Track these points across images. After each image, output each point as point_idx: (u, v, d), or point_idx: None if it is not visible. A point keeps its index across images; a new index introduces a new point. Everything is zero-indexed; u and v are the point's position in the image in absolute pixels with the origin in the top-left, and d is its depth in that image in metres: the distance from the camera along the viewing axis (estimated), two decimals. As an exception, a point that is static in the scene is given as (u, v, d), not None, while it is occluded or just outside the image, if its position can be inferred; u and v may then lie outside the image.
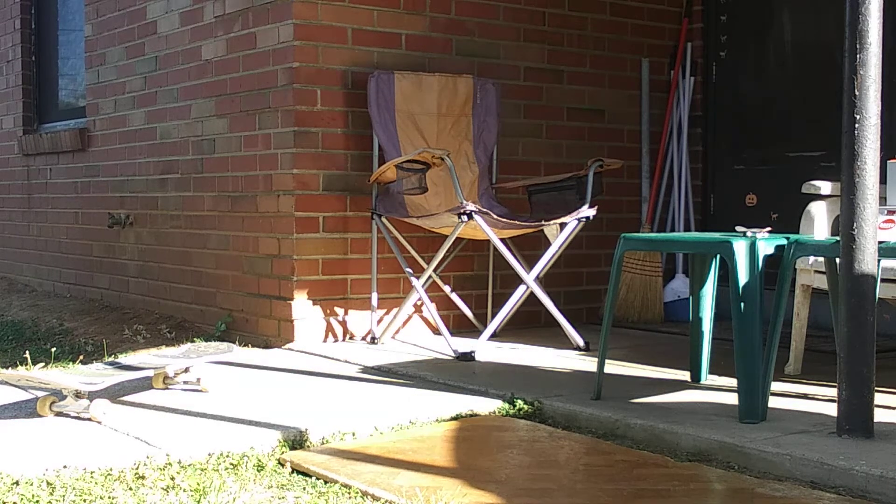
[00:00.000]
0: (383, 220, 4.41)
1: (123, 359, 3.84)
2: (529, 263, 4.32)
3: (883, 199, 3.40)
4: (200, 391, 3.45)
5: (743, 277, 2.94)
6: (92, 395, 3.11)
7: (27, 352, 4.14)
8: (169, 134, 5.26)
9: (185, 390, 3.46)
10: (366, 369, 3.88)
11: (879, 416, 2.78)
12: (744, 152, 5.30)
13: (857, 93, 2.64)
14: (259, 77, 4.61)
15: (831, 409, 2.82)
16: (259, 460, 2.67)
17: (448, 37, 4.79)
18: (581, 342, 4.24)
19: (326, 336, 4.50)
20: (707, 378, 3.52)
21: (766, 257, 2.98)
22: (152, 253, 5.44)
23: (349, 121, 4.54)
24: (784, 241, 3.03)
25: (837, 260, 2.77)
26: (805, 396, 3.29)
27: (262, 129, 4.61)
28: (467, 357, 4.01)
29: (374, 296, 4.53)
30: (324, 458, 2.68)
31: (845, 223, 2.68)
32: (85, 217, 6.16)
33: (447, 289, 4.68)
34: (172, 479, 2.47)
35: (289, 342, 4.43)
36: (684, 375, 3.58)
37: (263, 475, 2.58)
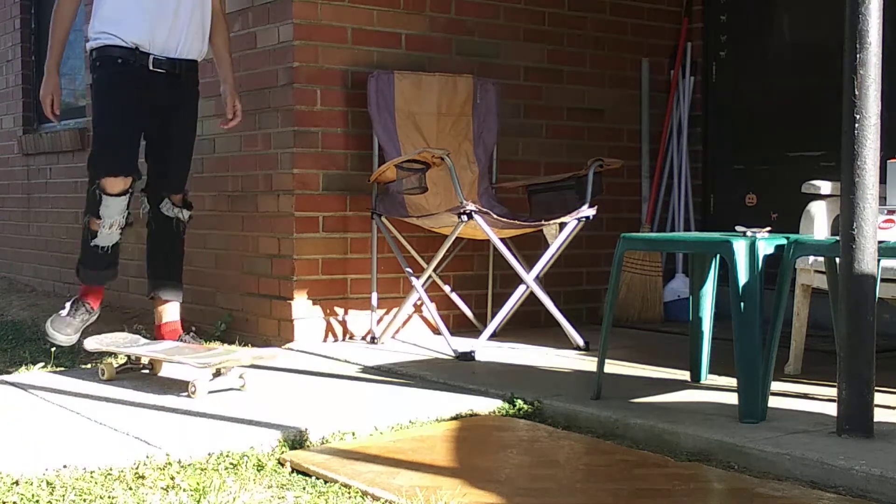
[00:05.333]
0: (383, 219, 4.41)
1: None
2: (529, 263, 4.32)
3: (883, 199, 3.40)
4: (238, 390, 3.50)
5: (743, 277, 2.94)
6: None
7: (27, 352, 4.14)
8: (169, 134, 5.25)
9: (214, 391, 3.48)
10: (366, 369, 3.88)
11: (879, 416, 2.78)
12: (744, 152, 5.30)
13: (856, 93, 2.64)
14: (259, 77, 4.61)
15: (831, 409, 2.82)
16: (259, 460, 2.67)
17: (448, 37, 4.79)
18: (581, 342, 4.24)
19: (326, 336, 4.50)
20: (707, 378, 3.52)
21: (766, 257, 2.98)
22: (152, 253, 5.43)
23: (349, 121, 4.55)
24: (784, 241, 3.03)
25: (837, 260, 2.77)
26: (805, 396, 3.30)
27: (262, 129, 4.61)
28: (467, 357, 4.01)
29: (374, 296, 4.53)
30: (324, 458, 2.68)
31: (845, 223, 2.68)
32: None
33: (447, 288, 4.68)
34: (172, 478, 2.47)
35: (289, 342, 4.43)
36: (684, 375, 3.58)
37: (263, 475, 2.58)
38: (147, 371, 3.76)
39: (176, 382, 3.56)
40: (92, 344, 3.76)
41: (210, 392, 3.39)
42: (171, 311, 4.07)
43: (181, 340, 4.02)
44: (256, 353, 3.78)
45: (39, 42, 7.00)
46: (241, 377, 3.48)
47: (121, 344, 3.81)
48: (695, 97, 5.42)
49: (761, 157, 5.22)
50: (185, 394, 3.36)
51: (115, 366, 3.72)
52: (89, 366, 3.93)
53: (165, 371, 3.75)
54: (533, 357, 4.10)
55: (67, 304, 3.96)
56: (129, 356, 3.77)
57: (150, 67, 3.90)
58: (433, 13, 4.75)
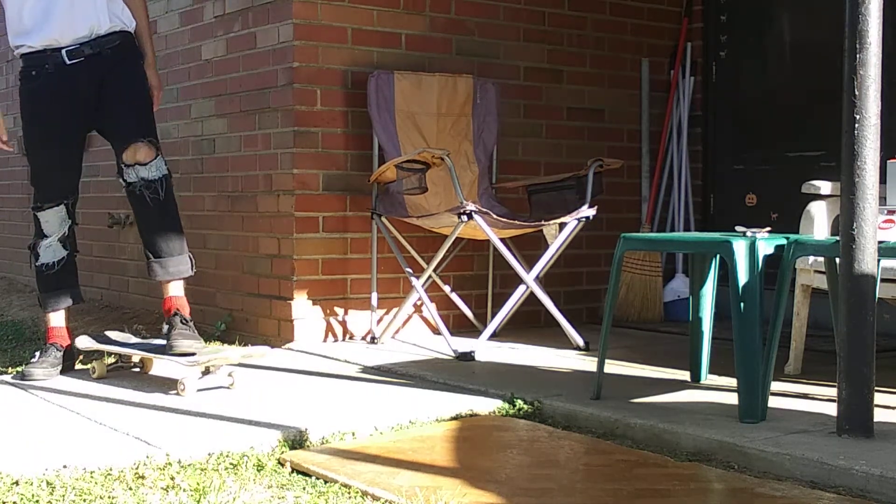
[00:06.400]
0: (383, 219, 4.41)
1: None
2: (529, 263, 4.32)
3: (883, 199, 3.40)
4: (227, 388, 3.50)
5: (743, 277, 2.94)
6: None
7: (27, 352, 4.14)
8: (169, 134, 5.25)
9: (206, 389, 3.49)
10: (366, 369, 3.88)
11: (879, 415, 2.78)
12: (744, 152, 5.30)
13: (857, 93, 2.64)
14: (259, 77, 4.61)
15: (831, 409, 2.82)
16: (259, 460, 2.67)
17: (448, 37, 4.79)
18: (581, 342, 4.24)
19: (326, 336, 4.50)
20: (707, 378, 3.52)
21: (766, 257, 2.98)
22: (152, 253, 5.43)
23: (349, 121, 4.54)
24: (784, 241, 3.03)
25: (837, 260, 2.77)
26: (805, 396, 3.30)
27: (262, 129, 4.61)
28: (467, 357, 4.01)
29: (374, 296, 4.53)
30: (324, 458, 2.68)
31: (845, 223, 2.68)
32: (85, 217, 6.14)
33: (447, 289, 4.68)
34: (172, 478, 2.47)
35: (289, 342, 4.43)
36: (684, 375, 3.58)
37: (263, 475, 2.58)
38: (138, 370, 3.78)
39: (169, 381, 3.56)
40: (84, 342, 3.76)
41: (199, 390, 3.41)
42: (171, 287, 3.77)
43: (172, 319, 3.69)
44: (245, 351, 3.78)
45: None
46: (229, 375, 3.50)
47: (111, 342, 3.82)
48: (695, 97, 5.42)
49: (761, 157, 5.22)
50: (175, 391, 3.39)
51: (106, 364, 3.73)
52: (88, 366, 3.92)
53: (156, 369, 3.76)
54: (533, 357, 4.10)
55: (37, 353, 3.78)
56: (119, 355, 3.78)
57: (67, 62, 3.70)
58: (433, 13, 4.75)
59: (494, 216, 4.22)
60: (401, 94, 4.54)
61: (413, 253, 4.54)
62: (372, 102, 4.47)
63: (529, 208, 4.65)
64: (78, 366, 3.89)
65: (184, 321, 3.66)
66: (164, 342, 3.70)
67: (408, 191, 4.28)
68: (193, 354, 3.53)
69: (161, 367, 3.76)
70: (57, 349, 3.76)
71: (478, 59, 4.86)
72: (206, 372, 3.48)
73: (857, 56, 2.63)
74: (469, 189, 4.57)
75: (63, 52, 3.71)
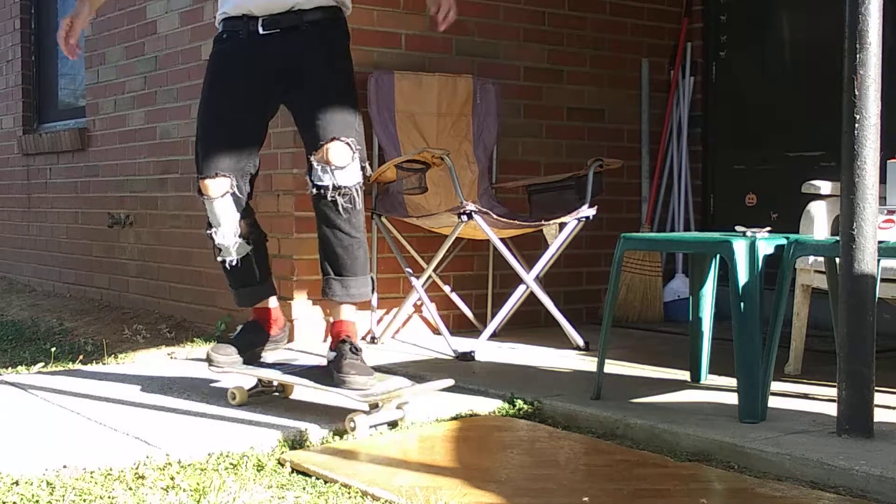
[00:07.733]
0: (383, 219, 4.41)
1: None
2: (529, 263, 4.32)
3: (883, 199, 3.40)
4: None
5: (743, 277, 2.94)
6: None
7: (27, 352, 4.14)
8: (169, 134, 5.26)
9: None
10: (366, 369, 3.87)
11: (879, 416, 2.78)
12: (744, 152, 5.30)
13: (857, 93, 2.64)
14: (259, 77, 4.60)
15: (831, 409, 2.82)
16: (259, 460, 2.67)
17: (448, 37, 4.78)
18: (581, 342, 4.24)
19: (326, 336, 4.50)
20: (707, 378, 3.52)
21: (766, 257, 2.98)
22: (152, 253, 5.44)
23: (349, 121, 4.54)
24: (784, 241, 3.03)
25: (837, 260, 2.77)
26: (805, 396, 3.30)
27: (262, 129, 4.60)
28: (467, 357, 4.01)
29: (374, 296, 4.53)
30: (323, 458, 2.68)
31: (845, 223, 2.68)
32: (85, 217, 6.16)
33: (447, 289, 4.68)
34: (172, 478, 2.47)
35: (289, 342, 4.42)
36: (684, 375, 3.58)
37: (263, 475, 2.58)
38: (278, 394, 3.40)
39: (297, 404, 3.30)
40: (213, 366, 3.33)
41: (371, 426, 2.99)
42: (344, 310, 3.27)
43: (341, 347, 3.16)
44: (428, 386, 3.20)
45: (39, 42, 7.00)
46: (399, 408, 3.07)
47: (242, 364, 3.37)
48: (695, 97, 5.42)
49: (761, 157, 5.22)
50: (183, 397, 3.27)
51: (247, 389, 3.33)
52: (89, 366, 3.92)
53: (297, 394, 3.40)
54: (533, 357, 4.10)
55: (238, 328, 3.50)
56: (259, 379, 3.36)
57: (261, 31, 3.29)
58: (433, 13, 4.74)
59: (494, 216, 4.22)
60: (401, 94, 4.54)
61: (413, 253, 4.54)
62: (372, 102, 4.47)
63: (529, 208, 4.65)
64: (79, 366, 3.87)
65: (354, 350, 3.14)
66: (301, 365, 3.39)
67: (408, 191, 4.28)
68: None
69: (303, 391, 3.34)
70: (256, 329, 3.43)
71: (478, 59, 4.86)
72: (375, 406, 3.04)
73: (857, 56, 2.63)
74: (469, 189, 4.57)
75: (259, 21, 3.31)
